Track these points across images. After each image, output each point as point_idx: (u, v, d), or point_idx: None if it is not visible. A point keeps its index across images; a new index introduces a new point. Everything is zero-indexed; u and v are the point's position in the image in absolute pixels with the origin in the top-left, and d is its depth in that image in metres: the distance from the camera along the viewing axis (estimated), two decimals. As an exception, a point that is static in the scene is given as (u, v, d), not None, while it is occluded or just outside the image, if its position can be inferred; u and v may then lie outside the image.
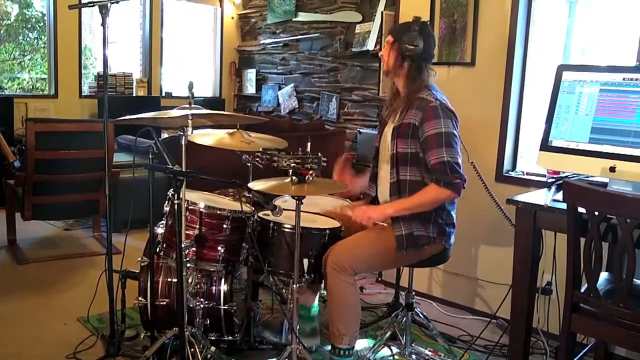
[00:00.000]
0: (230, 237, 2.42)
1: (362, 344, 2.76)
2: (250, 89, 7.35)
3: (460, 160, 2.30)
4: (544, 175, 2.85)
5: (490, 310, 3.17)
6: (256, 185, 2.19)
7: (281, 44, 6.81)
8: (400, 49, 2.40)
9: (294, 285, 2.27)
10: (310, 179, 2.14)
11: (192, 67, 7.50)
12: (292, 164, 2.09)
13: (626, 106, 2.14)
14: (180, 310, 2.18)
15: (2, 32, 6.39)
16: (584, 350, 2.33)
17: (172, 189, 2.20)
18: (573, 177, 2.36)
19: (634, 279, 1.89)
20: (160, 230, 2.52)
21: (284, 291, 2.71)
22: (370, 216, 2.36)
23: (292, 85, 6.69)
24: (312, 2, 6.33)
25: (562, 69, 2.34)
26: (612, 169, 2.11)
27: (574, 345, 2.07)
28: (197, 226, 2.38)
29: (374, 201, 2.60)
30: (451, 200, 2.38)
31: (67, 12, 5.84)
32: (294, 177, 2.13)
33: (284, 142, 2.60)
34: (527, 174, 3.08)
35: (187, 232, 2.35)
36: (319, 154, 2.11)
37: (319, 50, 6.32)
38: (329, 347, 2.44)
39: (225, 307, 2.46)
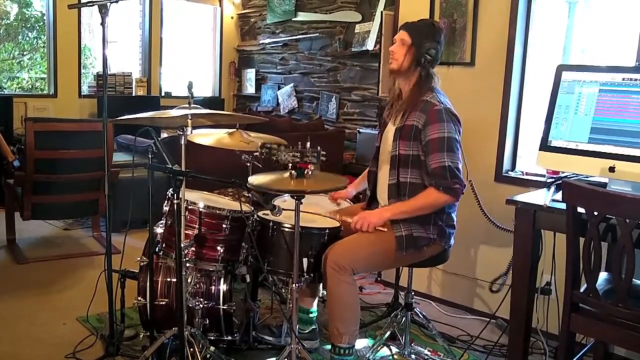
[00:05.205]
0: (230, 237, 2.42)
1: (361, 344, 2.76)
2: (249, 88, 7.34)
3: (460, 166, 2.31)
4: (543, 175, 2.85)
5: (489, 310, 3.17)
6: (255, 180, 2.18)
7: (280, 44, 6.80)
8: (417, 54, 2.36)
9: (294, 285, 2.27)
10: (310, 173, 2.13)
11: (191, 66, 7.48)
12: (291, 158, 2.07)
13: (626, 106, 2.14)
14: (180, 310, 2.19)
15: (1, 31, 6.38)
16: (583, 350, 2.33)
17: (171, 189, 2.20)
18: (572, 177, 2.36)
19: (633, 279, 1.89)
20: (159, 230, 2.52)
21: (283, 291, 2.71)
22: (370, 221, 2.34)
23: (291, 85, 6.68)
24: (312, 2, 6.32)
25: (561, 69, 2.34)
26: (612, 169, 2.11)
27: (573, 345, 2.06)
28: (197, 226, 2.38)
29: (371, 200, 2.60)
30: (450, 204, 2.38)
31: (67, 11, 5.82)
32: (293, 172, 2.12)
33: (284, 142, 2.60)
34: (527, 174, 3.08)
35: (186, 231, 2.35)
36: (319, 147, 2.09)
37: (318, 50, 6.32)
38: (329, 347, 2.44)
39: (225, 307, 2.46)
